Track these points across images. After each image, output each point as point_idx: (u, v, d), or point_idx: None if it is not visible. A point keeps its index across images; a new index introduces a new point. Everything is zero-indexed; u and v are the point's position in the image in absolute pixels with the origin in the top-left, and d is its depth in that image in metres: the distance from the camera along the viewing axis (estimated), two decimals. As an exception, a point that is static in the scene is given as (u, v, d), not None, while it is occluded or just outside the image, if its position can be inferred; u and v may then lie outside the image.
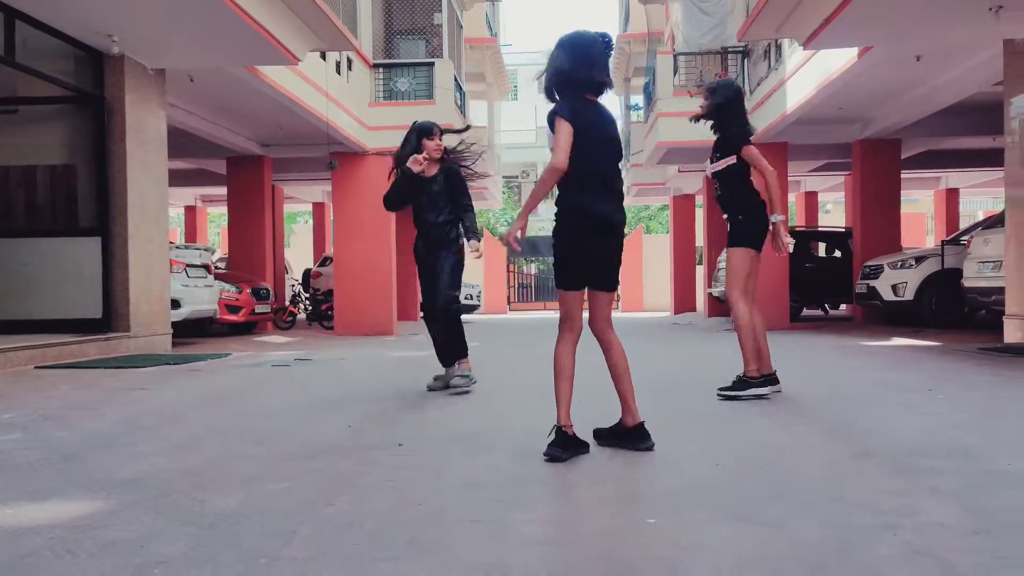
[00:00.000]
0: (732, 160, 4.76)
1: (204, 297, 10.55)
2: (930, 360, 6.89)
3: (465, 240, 5.30)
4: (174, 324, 9.42)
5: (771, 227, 4.79)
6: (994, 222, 10.14)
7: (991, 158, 13.43)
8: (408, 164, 5.01)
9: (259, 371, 6.68)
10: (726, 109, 4.82)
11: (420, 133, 5.15)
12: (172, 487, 2.74)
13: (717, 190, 4.91)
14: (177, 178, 15.67)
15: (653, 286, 25.10)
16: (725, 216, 4.92)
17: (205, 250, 11.45)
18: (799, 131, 12.44)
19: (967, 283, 9.89)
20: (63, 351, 7.15)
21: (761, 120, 12.34)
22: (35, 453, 3.31)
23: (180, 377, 6.17)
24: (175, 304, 9.49)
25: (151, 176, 8.57)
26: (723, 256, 13.96)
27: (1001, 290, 8.62)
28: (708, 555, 1.99)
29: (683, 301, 20.54)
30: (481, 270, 23.75)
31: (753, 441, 3.48)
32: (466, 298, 18.24)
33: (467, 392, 5.04)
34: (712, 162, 4.86)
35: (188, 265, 10.33)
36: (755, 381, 4.77)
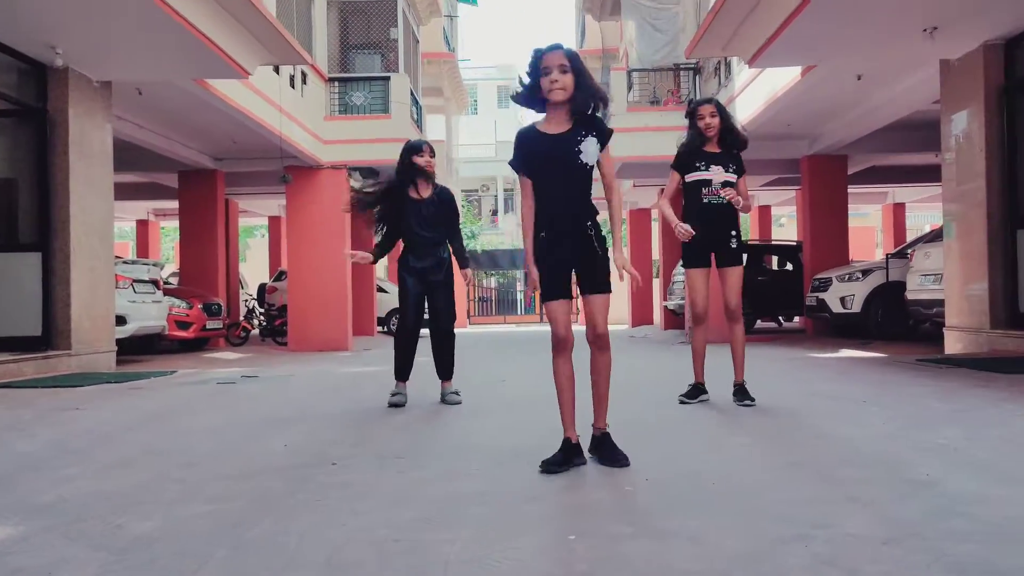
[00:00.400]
0: (735, 177, 4.98)
1: (152, 313, 10.37)
2: (872, 372, 7.03)
3: (458, 267, 5.58)
4: (121, 341, 9.23)
5: None
6: (935, 236, 10.42)
7: (934, 173, 13.77)
8: (354, 259, 5.39)
9: (203, 389, 6.57)
10: (735, 126, 5.08)
11: (409, 152, 5.37)
12: (91, 511, 2.68)
13: (723, 198, 4.94)
14: (128, 192, 15.43)
15: (611, 298, 25.24)
16: (732, 234, 4.99)
17: (153, 265, 11.26)
18: (750, 146, 12.64)
19: (910, 295, 10.15)
20: (-1, 370, 6.96)
21: (712, 136, 12.57)
22: (-46, 477, 3.21)
23: (119, 396, 6.04)
24: (120, 320, 9.31)
25: (96, 190, 8.41)
26: (679, 269, 14.11)
27: (942, 302, 8.85)
28: (623, 570, 2.01)
29: (640, 314, 20.71)
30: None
31: (687, 453, 3.52)
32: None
33: (460, 403, 5.31)
34: (727, 170, 4.96)
35: (135, 280, 10.15)
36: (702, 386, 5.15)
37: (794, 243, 15.59)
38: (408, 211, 5.31)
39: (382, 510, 2.64)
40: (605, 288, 3.32)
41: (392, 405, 5.23)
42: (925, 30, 7.38)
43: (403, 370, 5.42)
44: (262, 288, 16.54)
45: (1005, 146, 7.80)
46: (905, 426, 4.02)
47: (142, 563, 2.14)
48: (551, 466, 3.17)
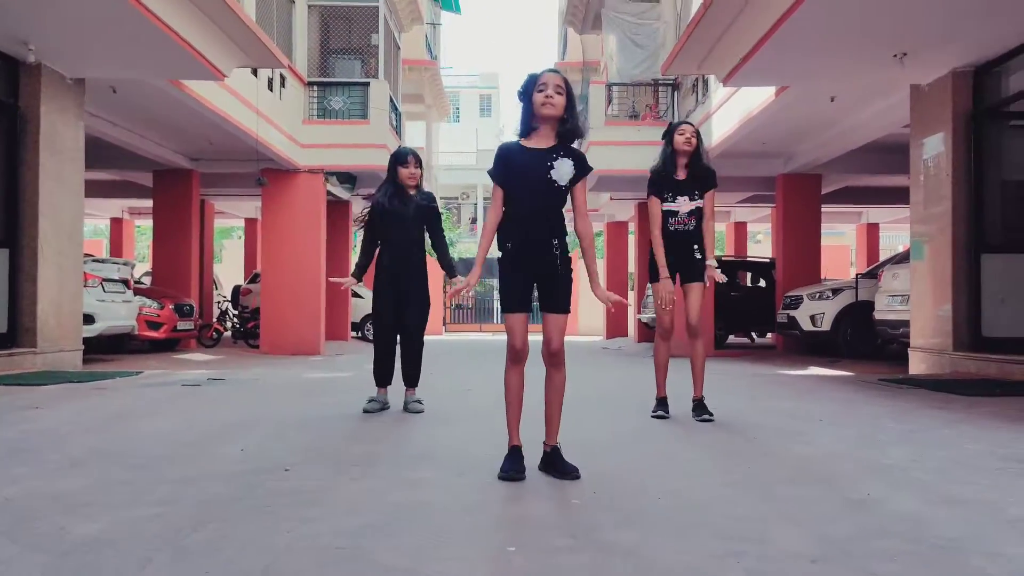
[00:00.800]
0: (701, 203, 5.09)
1: (121, 313, 10.28)
2: (834, 390, 7.11)
3: (446, 277, 5.61)
4: (89, 340, 9.15)
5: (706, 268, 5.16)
6: (903, 257, 10.58)
7: (907, 195, 14.00)
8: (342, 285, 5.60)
9: (167, 390, 6.53)
10: (702, 155, 5.16)
11: (394, 161, 5.43)
12: (37, 513, 2.67)
13: (689, 225, 5.06)
14: (102, 189, 15.29)
15: (587, 310, 25.35)
16: (694, 247, 5.09)
17: (124, 264, 11.17)
18: (725, 164, 12.78)
19: (878, 315, 10.29)
20: (-39, 367, 6.87)
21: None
22: (-100, 475, 3.18)
23: (81, 396, 5.99)
24: (89, 319, 9.23)
25: (66, 188, 8.34)
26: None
27: (908, 323, 8.98)
28: (557, 583, 2.04)
29: (615, 326, 20.83)
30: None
31: (638, 467, 3.56)
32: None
33: (423, 411, 5.29)
34: (692, 199, 5.06)
35: (105, 279, 10.06)
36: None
37: (767, 260, 15.76)
38: (391, 213, 5.33)
39: (330, 518, 2.65)
40: (564, 308, 3.35)
41: (366, 411, 5.24)
42: (895, 55, 7.52)
43: (382, 376, 5.46)
44: (236, 290, 16.44)
45: (972, 172, 7.96)
46: (856, 445, 4.09)
47: (82, 566, 2.14)
48: (510, 473, 3.21)
